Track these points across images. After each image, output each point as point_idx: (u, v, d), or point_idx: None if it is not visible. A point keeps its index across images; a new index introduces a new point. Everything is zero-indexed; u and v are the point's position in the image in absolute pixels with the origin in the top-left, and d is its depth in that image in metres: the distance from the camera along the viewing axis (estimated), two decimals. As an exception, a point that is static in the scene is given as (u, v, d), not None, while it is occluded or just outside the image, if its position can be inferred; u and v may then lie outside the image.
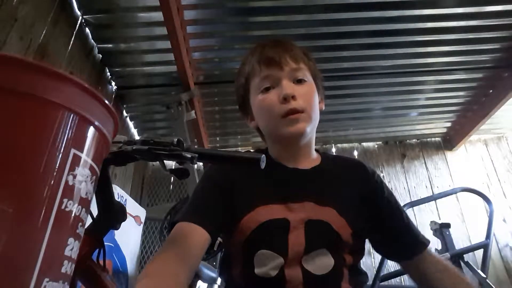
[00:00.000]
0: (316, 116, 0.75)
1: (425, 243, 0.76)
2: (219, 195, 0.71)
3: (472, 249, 2.00)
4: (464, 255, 1.85)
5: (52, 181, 0.37)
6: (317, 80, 0.80)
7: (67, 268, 0.39)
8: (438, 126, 2.78)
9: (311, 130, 0.74)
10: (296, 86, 0.73)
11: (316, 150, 0.82)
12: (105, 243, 0.64)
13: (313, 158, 0.80)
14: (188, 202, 0.74)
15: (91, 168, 0.42)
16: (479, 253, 1.92)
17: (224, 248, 0.77)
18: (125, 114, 2.36)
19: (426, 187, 2.74)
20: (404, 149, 2.92)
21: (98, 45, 1.85)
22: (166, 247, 0.62)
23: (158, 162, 0.58)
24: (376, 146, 2.94)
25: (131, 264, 1.75)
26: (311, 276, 0.64)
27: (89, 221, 0.54)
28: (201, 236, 0.64)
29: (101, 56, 1.91)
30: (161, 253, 0.60)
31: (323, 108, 0.81)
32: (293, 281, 0.64)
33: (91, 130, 0.43)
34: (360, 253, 0.74)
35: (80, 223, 0.41)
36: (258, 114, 0.77)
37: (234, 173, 0.74)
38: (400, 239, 0.76)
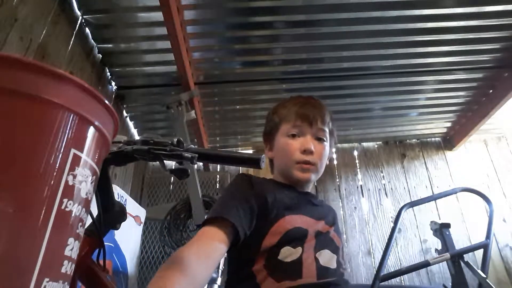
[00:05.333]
0: (323, 169, 0.95)
1: None
2: (253, 204, 0.81)
3: (472, 249, 1.99)
4: (464, 255, 1.84)
5: (52, 181, 0.37)
6: (332, 139, 0.99)
7: (67, 268, 0.39)
8: (438, 126, 2.78)
9: (315, 178, 0.95)
10: (316, 142, 0.92)
11: None
12: (105, 243, 0.64)
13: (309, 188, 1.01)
14: (226, 201, 0.81)
15: (91, 168, 0.42)
16: (479, 253, 1.91)
17: (241, 250, 0.79)
18: (125, 114, 2.36)
19: (426, 187, 2.74)
20: (404, 149, 2.92)
21: (98, 45, 1.85)
22: (202, 242, 0.70)
23: (158, 162, 0.58)
24: (376, 146, 2.94)
25: (131, 264, 1.75)
26: (319, 264, 0.80)
27: (89, 221, 0.54)
28: (228, 241, 0.72)
29: (101, 56, 1.91)
30: (193, 248, 0.67)
31: (333, 155, 0.98)
32: (308, 264, 0.78)
33: (91, 130, 0.43)
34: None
35: (80, 223, 0.41)
36: (279, 152, 0.94)
37: (262, 189, 0.86)
38: None
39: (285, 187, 0.92)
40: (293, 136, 0.91)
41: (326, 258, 0.81)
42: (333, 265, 0.82)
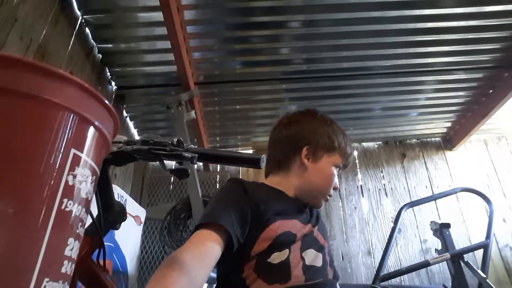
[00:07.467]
0: None
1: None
2: (247, 211, 0.81)
3: (472, 249, 1.99)
4: (464, 255, 1.85)
5: (52, 181, 0.37)
6: None
7: (67, 268, 0.39)
8: (438, 126, 2.78)
9: None
10: None
11: None
12: (105, 243, 0.64)
13: None
14: (219, 206, 0.80)
15: (91, 168, 0.42)
16: (479, 253, 1.93)
17: (231, 256, 0.79)
18: (125, 114, 2.36)
19: (426, 187, 2.74)
20: (404, 149, 2.92)
21: (98, 45, 1.85)
22: (195, 248, 0.69)
23: (158, 162, 0.58)
24: (376, 146, 2.94)
25: (131, 264, 1.75)
26: (305, 264, 0.82)
27: (89, 221, 0.54)
28: (221, 244, 0.72)
29: (101, 56, 1.91)
30: (188, 253, 0.66)
31: None
32: (295, 264, 0.79)
33: (91, 130, 0.43)
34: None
35: (80, 223, 0.41)
36: (319, 175, 0.97)
37: (255, 195, 0.86)
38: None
39: (277, 192, 0.94)
40: (337, 171, 1.00)
41: (311, 257, 0.84)
42: (319, 263, 0.84)
